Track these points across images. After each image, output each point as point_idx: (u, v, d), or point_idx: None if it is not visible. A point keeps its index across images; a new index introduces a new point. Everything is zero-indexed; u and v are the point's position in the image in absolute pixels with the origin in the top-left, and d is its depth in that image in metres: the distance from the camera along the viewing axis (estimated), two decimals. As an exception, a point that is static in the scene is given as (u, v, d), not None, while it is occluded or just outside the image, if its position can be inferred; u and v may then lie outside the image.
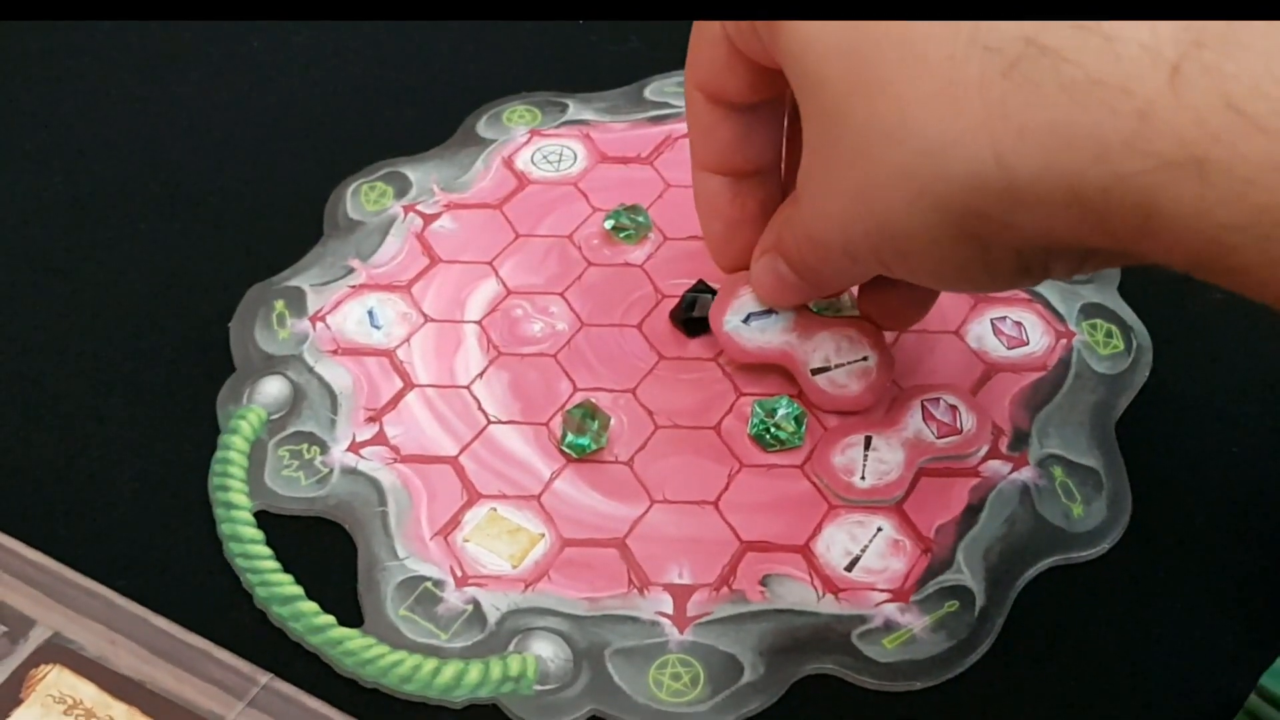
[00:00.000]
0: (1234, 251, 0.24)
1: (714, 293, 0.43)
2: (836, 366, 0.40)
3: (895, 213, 0.29)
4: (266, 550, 0.38)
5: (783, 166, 0.39)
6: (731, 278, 0.40)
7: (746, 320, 0.41)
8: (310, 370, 0.43)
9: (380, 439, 0.41)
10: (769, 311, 0.40)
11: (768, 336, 0.40)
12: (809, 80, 0.30)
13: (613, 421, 0.41)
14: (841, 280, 0.37)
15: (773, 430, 0.40)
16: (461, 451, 0.40)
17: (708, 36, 0.35)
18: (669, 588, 0.37)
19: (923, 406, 0.41)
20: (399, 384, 0.42)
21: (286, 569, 0.38)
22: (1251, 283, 0.25)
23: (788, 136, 0.38)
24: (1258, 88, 0.23)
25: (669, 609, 0.37)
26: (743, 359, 0.41)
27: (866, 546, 0.38)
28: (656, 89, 0.53)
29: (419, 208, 0.48)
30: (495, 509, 0.39)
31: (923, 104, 0.27)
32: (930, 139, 0.27)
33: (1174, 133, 0.24)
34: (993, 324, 0.44)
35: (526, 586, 0.37)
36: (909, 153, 0.28)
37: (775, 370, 0.41)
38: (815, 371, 0.40)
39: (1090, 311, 0.44)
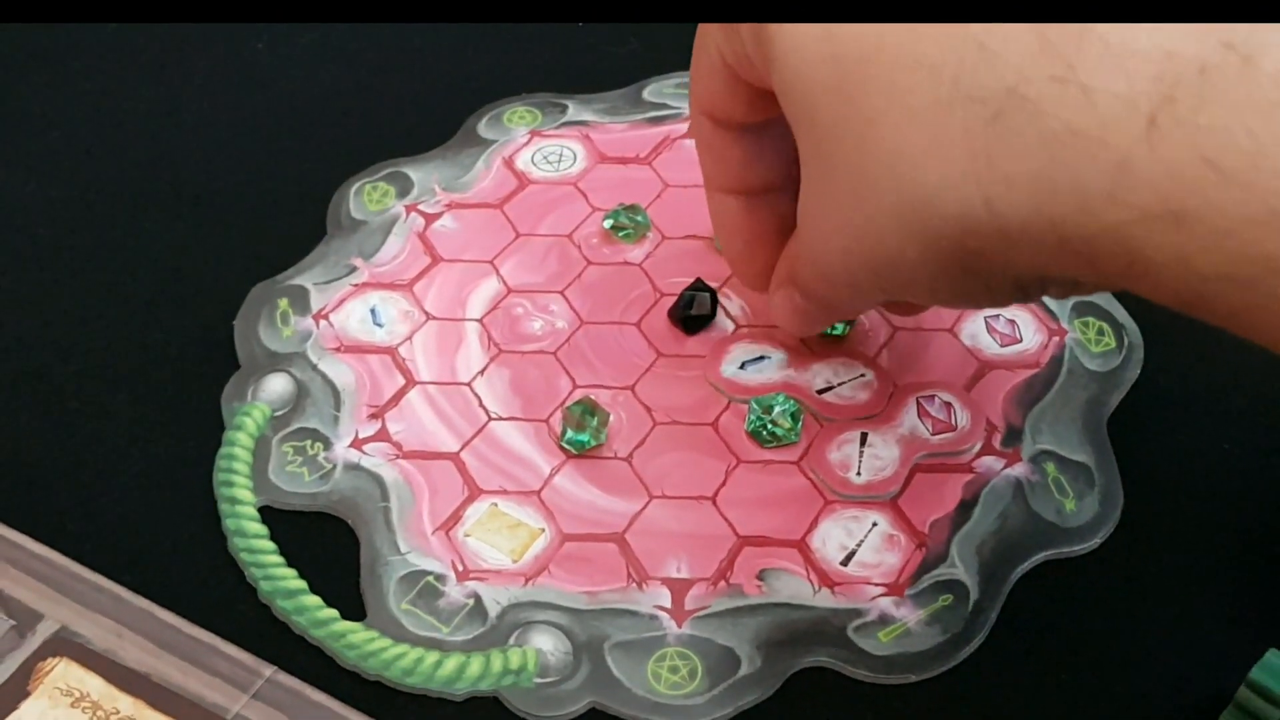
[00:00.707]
0: (1217, 298, 0.25)
1: (712, 291, 0.43)
2: (840, 384, 0.41)
3: (894, 250, 0.29)
4: (271, 545, 0.38)
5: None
6: (720, 339, 0.42)
7: (742, 367, 0.42)
8: (314, 367, 0.43)
9: (383, 435, 0.41)
10: (761, 357, 0.42)
11: (766, 376, 0.42)
12: (802, 117, 0.31)
13: (612, 418, 0.41)
14: (855, 307, 0.38)
15: (769, 427, 0.40)
16: (463, 448, 0.40)
17: (707, 63, 0.35)
18: (667, 582, 0.37)
19: (918, 403, 0.41)
20: (401, 381, 0.42)
21: (290, 563, 0.38)
22: (1239, 325, 0.25)
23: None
24: (1230, 141, 0.23)
25: (667, 603, 0.37)
26: (745, 395, 0.41)
27: (862, 541, 0.38)
28: (655, 90, 0.53)
29: (421, 207, 0.48)
30: (496, 504, 0.39)
31: (911, 150, 0.27)
32: (921, 184, 0.27)
33: (1151, 185, 0.24)
34: (986, 322, 0.44)
35: (527, 581, 0.37)
36: (902, 196, 0.28)
37: (772, 367, 0.42)
38: (821, 391, 0.41)
39: (1082, 309, 0.44)
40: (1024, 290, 0.31)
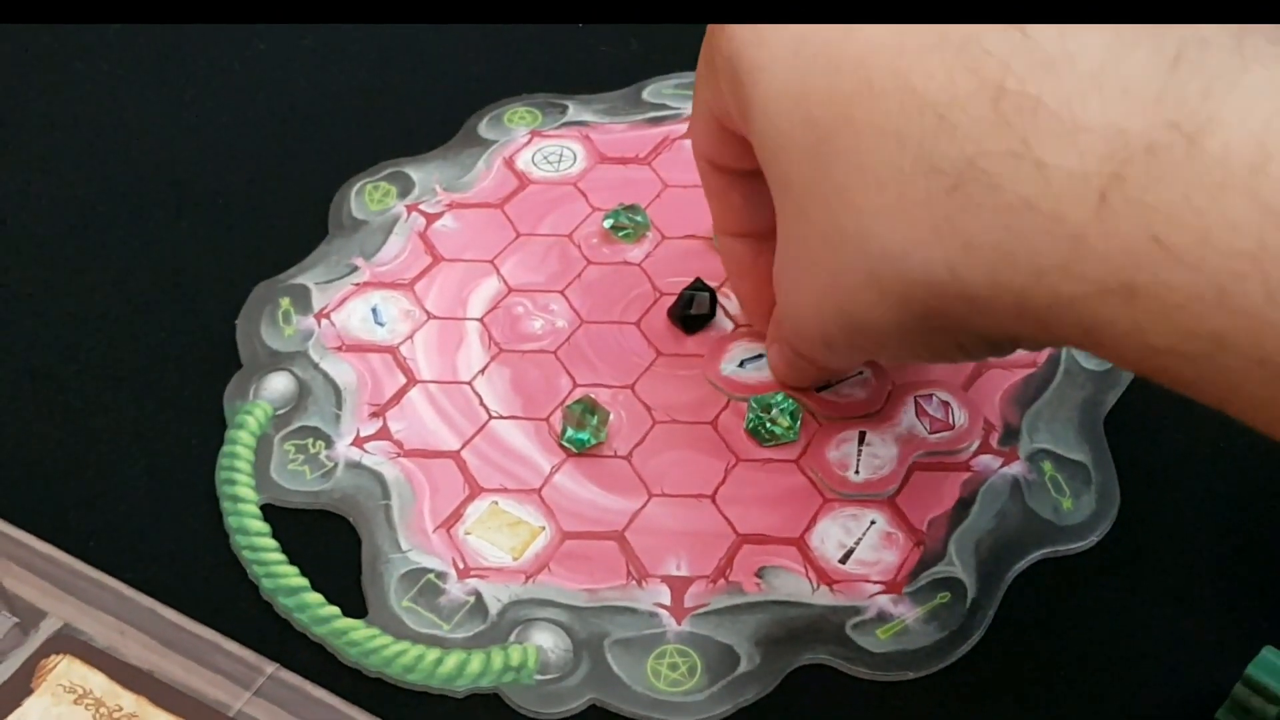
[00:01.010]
0: (1171, 369, 0.25)
1: (711, 290, 0.43)
2: (839, 382, 0.41)
3: (864, 310, 0.30)
4: (272, 543, 0.38)
5: None
6: (719, 338, 0.43)
7: (742, 365, 0.42)
8: (315, 366, 0.43)
9: (384, 434, 0.41)
10: (761, 355, 0.42)
11: (765, 374, 0.42)
12: (777, 176, 0.31)
13: (612, 417, 0.41)
14: (836, 364, 0.39)
15: (768, 425, 0.40)
16: (463, 446, 0.40)
17: (700, 112, 0.36)
18: (667, 579, 0.37)
19: (916, 402, 0.41)
20: (402, 380, 0.42)
21: (292, 561, 0.38)
22: (1199, 395, 0.26)
23: None
24: (1178, 220, 0.24)
25: (667, 600, 0.37)
26: (744, 393, 0.41)
27: (860, 539, 0.38)
28: (654, 91, 0.53)
29: (422, 207, 0.48)
30: (496, 502, 0.39)
31: (878, 215, 0.28)
32: (888, 248, 0.28)
33: (1104, 260, 0.25)
34: (984, 321, 0.43)
35: (527, 578, 0.37)
36: (870, 258, 0.29)
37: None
38: (820, 389, 0.41)
39: (1079, 309, 0.44)
40: (996, 347, 0.31)
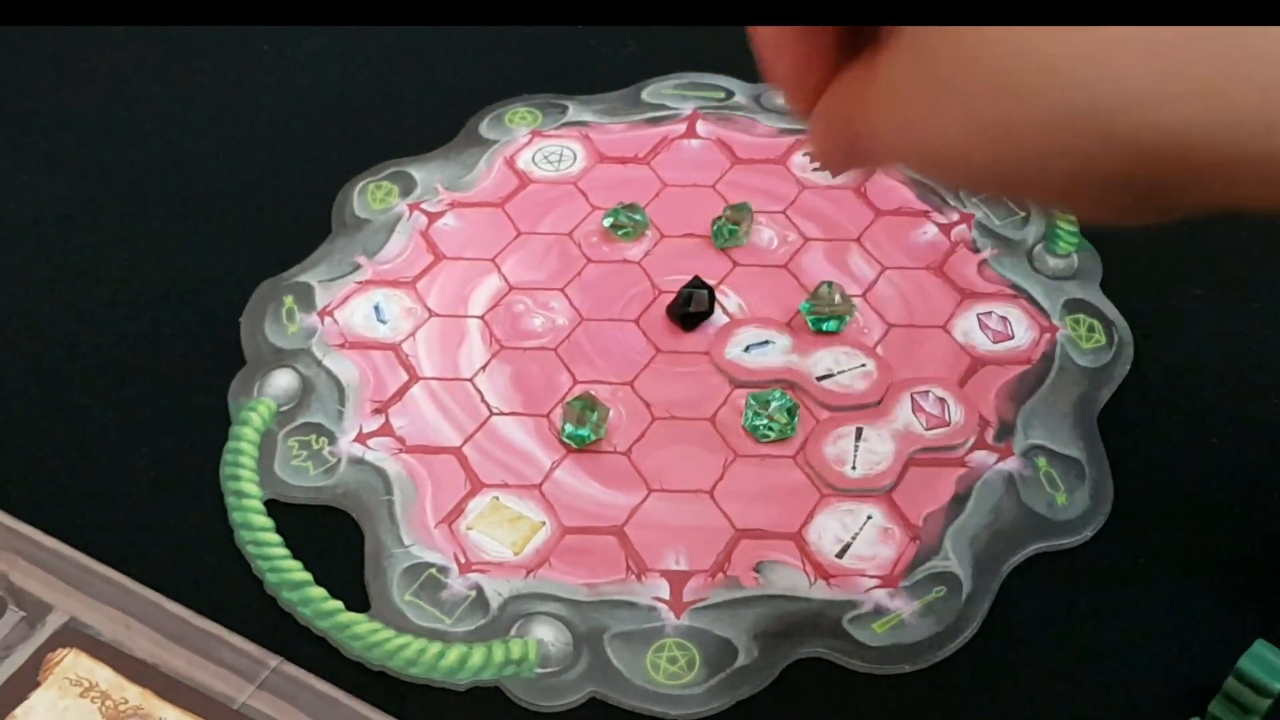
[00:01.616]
0: None
1: (709, 288, 0.43)
2: (840, 373, 0.41)
3: (1039, 151, 0.24)
4: (276, 538, 0.38)
5: None
6: (726, 326, 0.43)
7: (747, 350, 0.42)
8: (319, 363, 0.43)
9: (386, 430, 0.41)
10: (766, 341, 0.42)
11: (769, 360, 0.42)
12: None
13: (611, 413, 0.41)
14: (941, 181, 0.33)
15: (766, 422, 0.40)
16: (465, 442, 0.40)
17: None
18: (666, 574, 0.37)
19: (912, 399, 0.41)
20: (404, 377, 0.42)
21: (295, 556, 0.38)
22: None
23: None
24: None
25: (666, 594, 0.37)
26: (749, 378, 0.41)
27: (857, 534, 0.38)
28: (653, 91, 0.53)
29: (424, 206, 0.48)
30: (497, 498, 0.39)
31: (1108, 42, 0.22)
32: (1115, 90, 0.22)
33: None
34: (979, 319, 0.43)
35: (528, 573, 0.37)
36: (1078, 97, 0.22)
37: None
38: (821, 378, 0.41)
39: (1073, 306, 0.44)
40: (1168, 212, 0.25)
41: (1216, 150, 0.22)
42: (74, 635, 0.35)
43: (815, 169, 0.42)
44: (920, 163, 0.28)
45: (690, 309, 0.43)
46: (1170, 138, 0.22)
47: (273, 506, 0.39)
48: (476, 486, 0.39)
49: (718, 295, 0.44)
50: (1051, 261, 0.45)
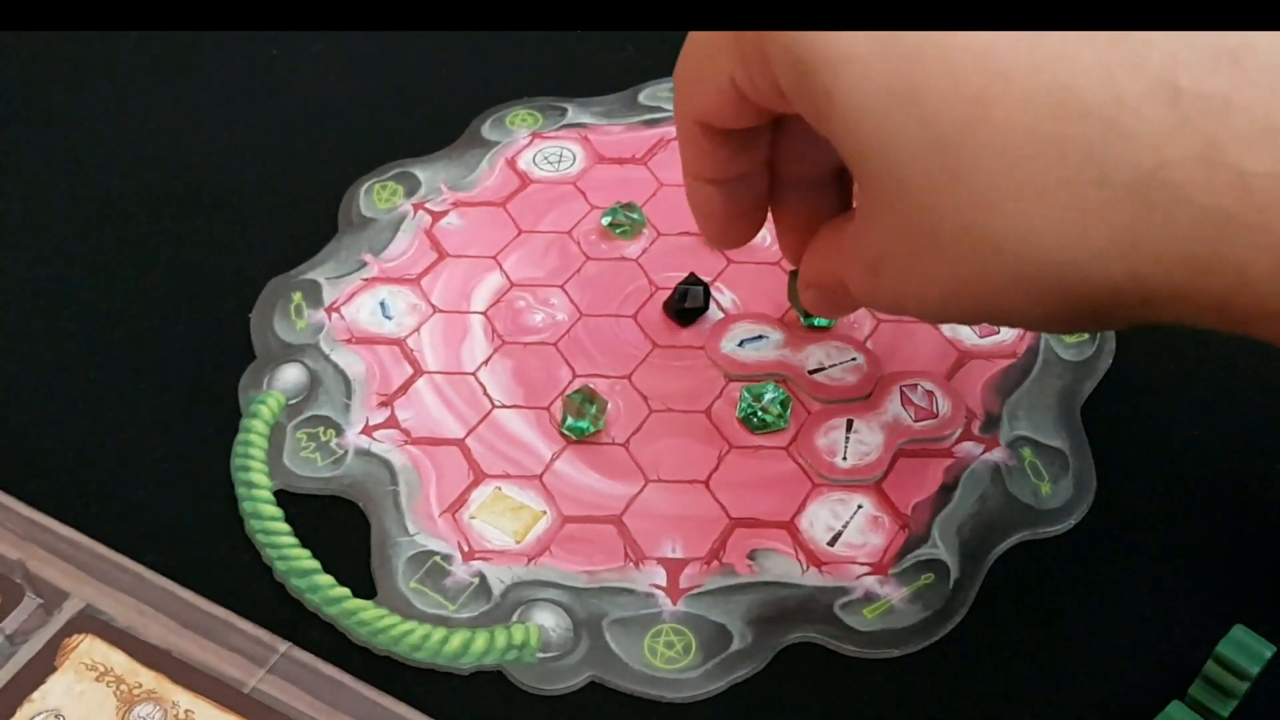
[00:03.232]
0: None
1: (705, 285, 0.43)
2: (831, 366, 0.41)
3: (1011, 306, 0.27)
4: (285, 527, 0.38)
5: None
6: (721, 321, 0.43)
7: (741, 345, 0.42)
8: (326, 358, 0.43)
9: (392, 422, 0.41)
10: (760, 336, 0.42)
11: (762, 354, 0.42)
12: (879, 173, 0.28)
13: (610, 406, 0.41)
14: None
15: (760, 414, 0.40)
16: (468, 434, 0.40)
17: (714, 84, 0.31)
18: (663, 561, 0.37)
19: (901, 392, 0.41)
20: (409, 371, 0.42)
21: (304, 544, 0.38)
22: None
23: (781, 138, 0.36)
24: None
25: (663, 581, 0.36)
26: (742, 371, 0.41)
27: (848, 523, 0.38)
28: (650, 94, 0.53)
29: (428, 205, 0.48)
30: (500, 488, 0.39)
31: (1039, 226, 0.25)
32: (1053, 256, 0.25)
33: None
34: (966, 314, 0.43)
35: (529, 560, 0.37)
36: (1029, 265, 0.25)
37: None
38: (813, 371, 0.41)
39: (1057, 302, 0.44)
40: (1133, 325, 0.28)
41: (1149, 290, 0.25)
42: (89, 621, 0.35)
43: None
44: (906, 313, 0.31)
45: (686, 305, 0.43)
46: (1108, 283, 0.25)
47: (282, 497, 0.39)
48: (479, 477, 0.39)
49: (713, 291, 0.44)
50: (1036, 259, 0.45)
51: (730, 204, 0.36)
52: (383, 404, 0.41)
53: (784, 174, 0.36)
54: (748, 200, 0.36)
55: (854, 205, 0.36)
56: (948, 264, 0.27)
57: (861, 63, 0.26)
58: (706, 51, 0.31)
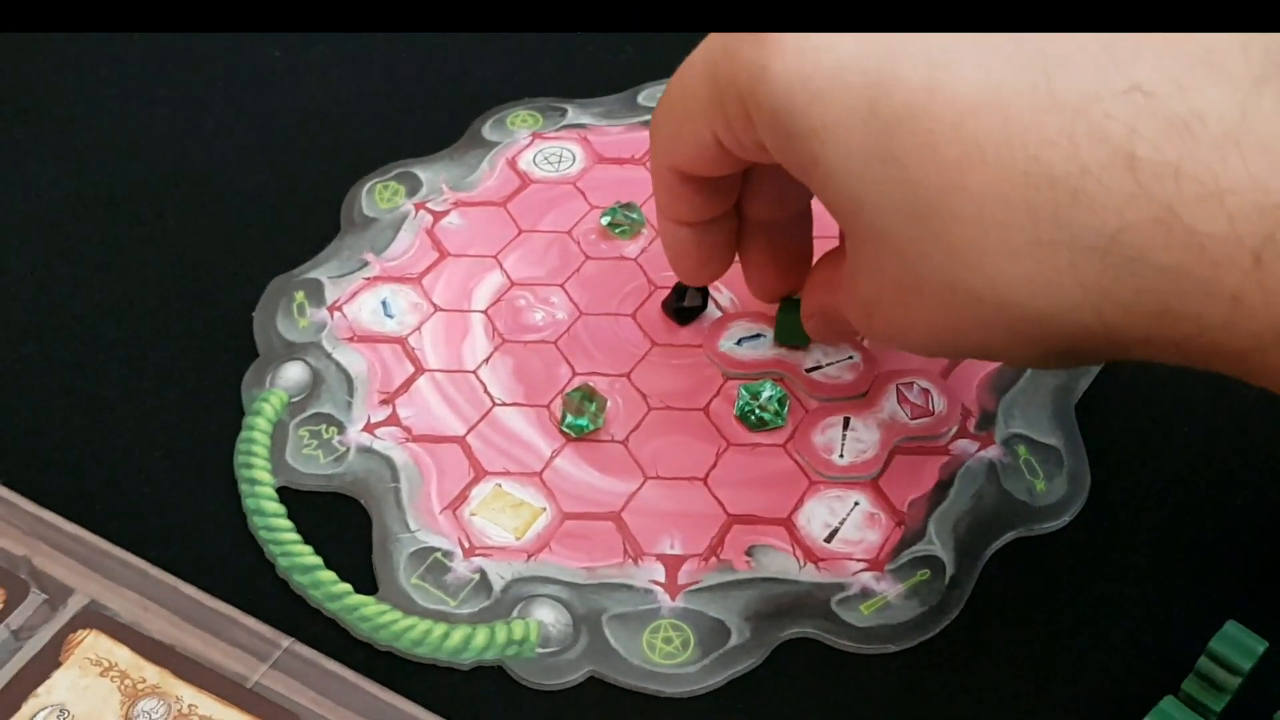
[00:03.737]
0: None
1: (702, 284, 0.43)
2: (828, 364, 0.41)
3: (991, 345, 0.29)
4: (288, 523, 0.38)
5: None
6: (719, 320, 0.43)
7: (739, 343, 0.42)
8: (328, 356, 0.43)
9: (393, 420, 0.41)
10: (758, 334, 0.42)
11: (760, 352, 0.42)
12: (865, 229, 0.29)
13: (609, 404, 0.41)
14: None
15: (757, 412, 0.40)
16: (469, 431, 0.40)
17: (696, 136, 0.33)
18: (661, 558, 0.37)
19: (897, 390, 0.41)
20: (410, 369, 0.42)
21: (306, 541, 0.38)
22: None
23: (749, 184, 0.37)
24: None
25: (661, 577, 0.36)
26: (740, 369, 0.41)
27: (844, 519, 0.38)
28: (650, 95, 0.53)
29: (429, 205, 0.48)
30: (500, 485, 0.39)
31: (1014, 281, 0.27)
32: (1028, 309, 0.27)
33: (1265, 316, 0.24)
34: (961, 313, 0.43)
35: (529, 557, 0.37)
36: (1006, 315, 0.27)
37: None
38: (810, 369, 0.41)
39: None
40: (1120, 360, 0.30)
41: (1118, 335, 0.26)
42: (94, 617, 0.35)
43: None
44: (899, 349, 0.35)
45: (685, 304, 0.43)
46: (1080, 329, 0.27)
47: (284, 493, 0.39)
48: (480, 474, 0.39)
49: (711, 291, 0.44)
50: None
51: (704, 243, 0.38)
52: (384, 402, 0.41)
53: (752, 216, 0.38)
54: (720, 239, 0.38)
55: (840, 244, 0.38)
56: (932, 311, 0.29)
57: (845, 129, 0.28)
58: (688, 107, 0.33)
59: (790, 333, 0.41)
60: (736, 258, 0.39)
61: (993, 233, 0.26)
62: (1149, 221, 0.24)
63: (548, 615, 0.36)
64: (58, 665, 0.34)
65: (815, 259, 0.39)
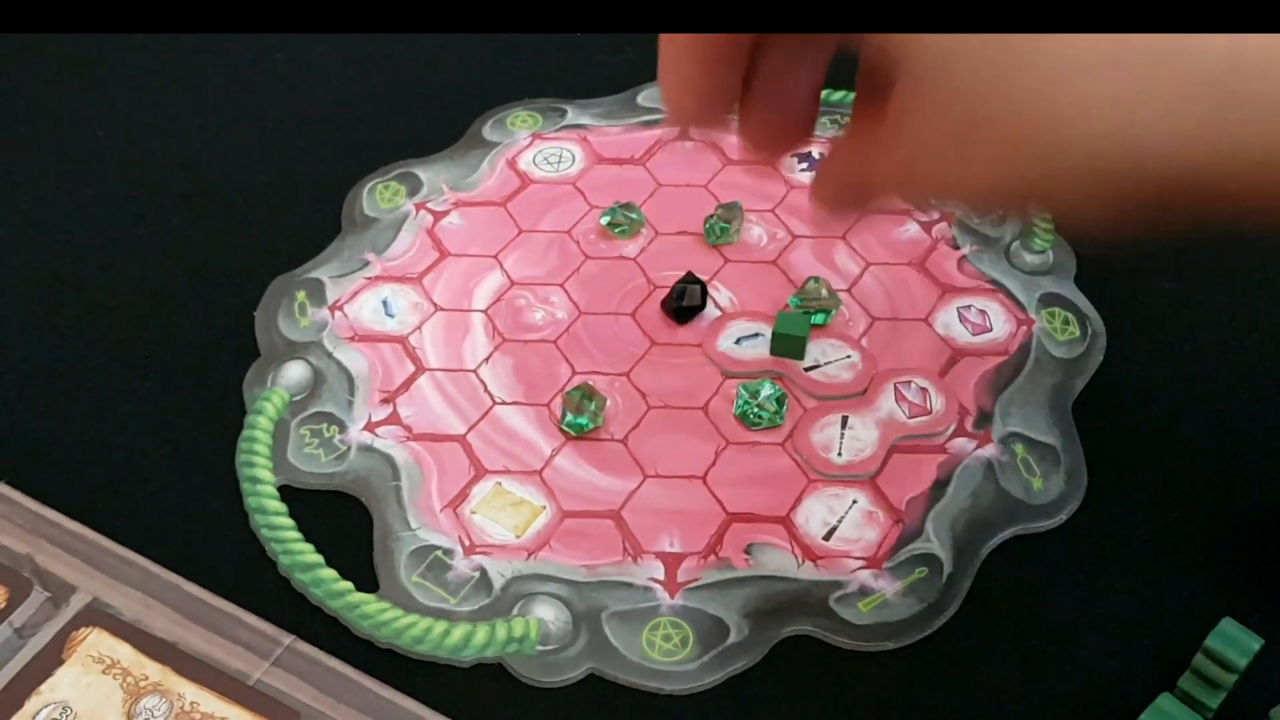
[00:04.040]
0: None
1: (702, 283, 0.43)
2: (826, 364, 0.41)
3: (1056, 189, 0.26)
4: (289, 522, 0.38)
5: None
6: (718, 319, 0.43)
7: (738, 342, 0.42)
8: (329, 355, 0.43)
9: (394, 419, 0.41)
10: (756, 334, 0.42)
11: (758, 351, 0.42)
12: (925, 67, 0.26)
13: (609, 402, 0.41)
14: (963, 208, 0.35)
15: (756, 410, 0.40)
16: (469, 430, 0.40)
17: None
18: (661, 556, 0.37)
19: (895, 389, 0.41)
20: (411, 368, 0.42)
21: (308, 539, 0.38)
22: None
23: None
24: None
25: (661, 575, 0.36)
26: (739, 368, 0.41)
27: (843, 517, 0.38)
28: (648, 96, 0.53)
29: (429, 205, 0.48)
30: (500, 483, 0.39)
31: (1117, 98, 0.24)
32: (1115, 144, 0.24)
33: None
34: (959, 312, 0.43)
35: (529, 555, 0.37)
36: (1087, 149, 0.24)
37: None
38: (808, 369, 0.41)
39: (1049, 300, 0.44)
40: (1198, 216, 0.27)
41: (1217, 181, 0.24)
42: (97, 615, 0.35)
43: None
44: (939, 199, 0.31)
45: (684, 303, 0.43)
46: (1176, 170, 0.24)
47: (286, 492, 0.39)
48: (480, 472, 0.39)
49: (710, 290, 0.44)
50: (1028, 258, 0.45)
51: (712, 72, 0.32)
52: (385, 400, 0.41)
53: (761, 91, 0.33)
54: (729, 72, 0.32)
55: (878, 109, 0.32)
56: (993, 152, 0.26)
57: None
58: None
59: (786, 347, 0.41)
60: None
61: (1090, 51, 0.24)
62: (1261, 59, 0.23)
63: (547, 613, 0.36)
64: (60, 663, 0.34)
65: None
